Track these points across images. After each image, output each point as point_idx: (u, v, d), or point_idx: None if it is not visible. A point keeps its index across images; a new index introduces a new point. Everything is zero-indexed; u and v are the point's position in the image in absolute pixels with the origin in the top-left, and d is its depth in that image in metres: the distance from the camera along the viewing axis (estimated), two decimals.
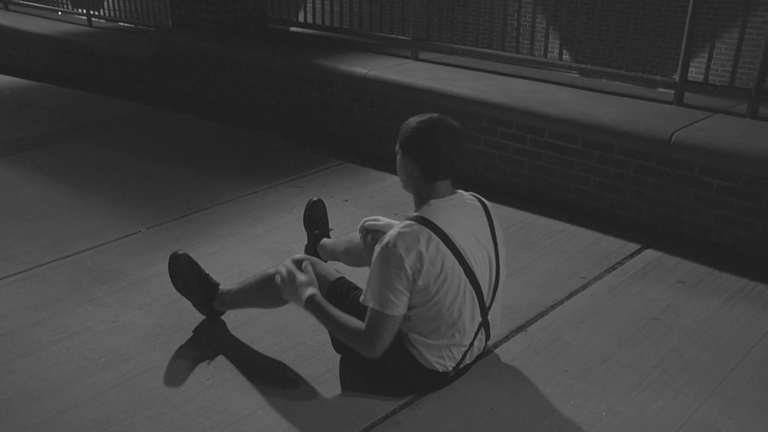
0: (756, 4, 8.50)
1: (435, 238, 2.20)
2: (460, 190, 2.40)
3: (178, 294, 2.83)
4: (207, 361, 2.59)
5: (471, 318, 2.32)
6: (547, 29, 4.63)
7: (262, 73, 5.40)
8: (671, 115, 3.77)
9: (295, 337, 2.74)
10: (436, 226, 2.22)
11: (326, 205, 3.35)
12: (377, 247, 2.22)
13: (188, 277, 2.74)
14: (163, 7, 6.88)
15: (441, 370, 2.36)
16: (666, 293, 3.10)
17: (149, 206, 3.99)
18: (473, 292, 2.30)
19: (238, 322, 2.83)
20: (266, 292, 2.55)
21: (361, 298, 2.28)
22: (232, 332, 2.78)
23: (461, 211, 2.32)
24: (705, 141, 3.42)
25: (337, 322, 2.30)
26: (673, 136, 3.48)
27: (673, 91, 4.00)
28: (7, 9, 8.42)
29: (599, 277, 3.25)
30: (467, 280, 2.27)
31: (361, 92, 4.77)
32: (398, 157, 2.36)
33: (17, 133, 5.36)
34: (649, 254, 3.46)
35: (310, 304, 2.33)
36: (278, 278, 2.43)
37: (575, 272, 3.28)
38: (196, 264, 2.77)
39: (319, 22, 5.72)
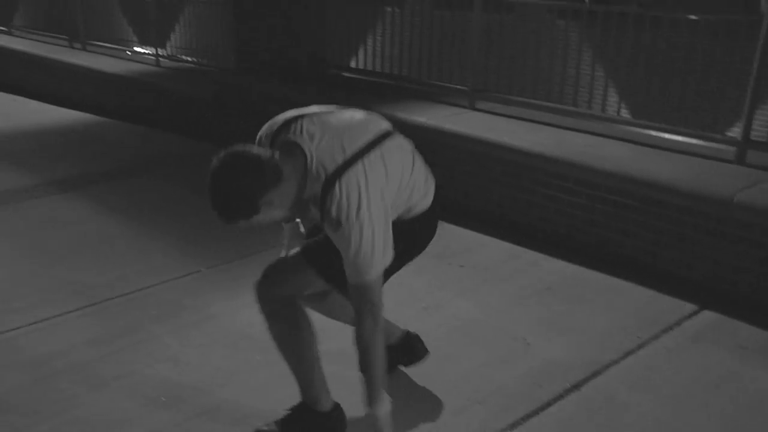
0: None
1: (361, 165, 2.08)
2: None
3: (237, 336, 2.89)
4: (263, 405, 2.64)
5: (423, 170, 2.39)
6: (605, 83, 4.65)
7: None
8: (733, 175, 3.73)
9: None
10: (349, 160, 2.08)
11: None
12: (341, 224, 2.02)
13: None
14: (226, 48, 7.12)
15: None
16: (726, 358, 3.04)
17: (209, 245, 4.11)
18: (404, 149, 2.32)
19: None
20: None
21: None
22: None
23: (321, 130, 2.15)
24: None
25: (369, 364, 2.13)
26: (735, 197, 3.44)
27: (734, 149, 3.96)
28: (85, 50, 8.85)
29: (655, 337, 3.20)
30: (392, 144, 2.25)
31: (418, 140, 4.83)
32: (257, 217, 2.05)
33: (85, 168, 5.59)
34: (707, 316, 3.40)
35: (377, 408, 2.14)
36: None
37: (630, 331, 3.24)
38: None
39: (378, 68, 5.85)
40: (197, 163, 5.73)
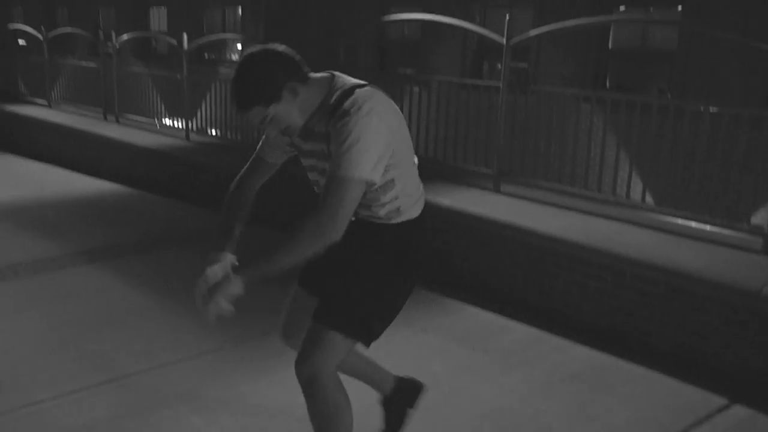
0: None
1: (382, 94, 2.15)
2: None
3: (265, 415, 2.87)
4: None
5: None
6: (630, 169, 4.71)
7: None
8: (760, 266, 3.72)
9: None
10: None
11: (403, 335, 3.34)
12: (349, 114, 2.04)
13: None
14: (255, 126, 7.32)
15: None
16: None
17: (233, 322, 4.11)
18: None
19: None
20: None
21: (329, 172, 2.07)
22: None
23: None
24: None
25: (284, 247, 2.11)
26: (764, 289, 3.43)
27: (761, 239, 3.97)
28: (117, 122, 9.15)
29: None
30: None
31: (442, 222, 4.90)
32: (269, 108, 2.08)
33: (114, 239, 5.69)
34: (739, 411, 3.33)
35: (250, 275, 2.21)
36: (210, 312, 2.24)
37: (656, 423, 3.18)
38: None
39: None
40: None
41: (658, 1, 11.22)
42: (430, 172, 5.67)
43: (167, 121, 8.84)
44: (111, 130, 8.65)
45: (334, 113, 2.09)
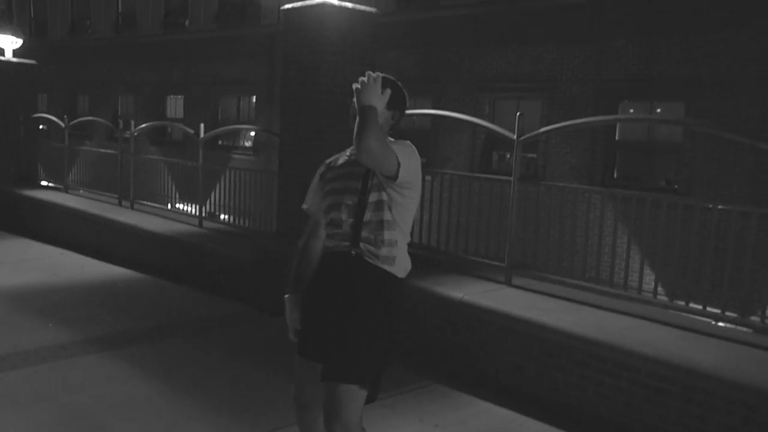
0: None
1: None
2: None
3: None
4: None
5: None
6: (641, 264, 4.72)
7: None
8: None
9: None
10: None
11: (416, 430, 3.34)
12: (399, 144, 2.78)
13: None
14: (270, 214, 7.40)
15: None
16: None
17: (241, 416, 4.07)
18: None
19: None
20: None
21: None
22: None
23: None
24: None
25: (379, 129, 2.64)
26: None
27: None
28: (132, 208, 9.30)
29: None
30: None
31: (454, 315, 4.88)
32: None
33: (124, 326, 5.68)
34: None
35: (369, 109, 2.62)
36: (360, 81, 2.66)
37: None
38: None
39: (415, 240, 6.00)
40: (236, 326, 5.85)
41: (661, 95, 11.53)
42: (441, 263, 5.68)
43: (180, 206, 8.96)
44: (125, 216, 8.77)
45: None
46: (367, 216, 2.75)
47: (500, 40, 13.26)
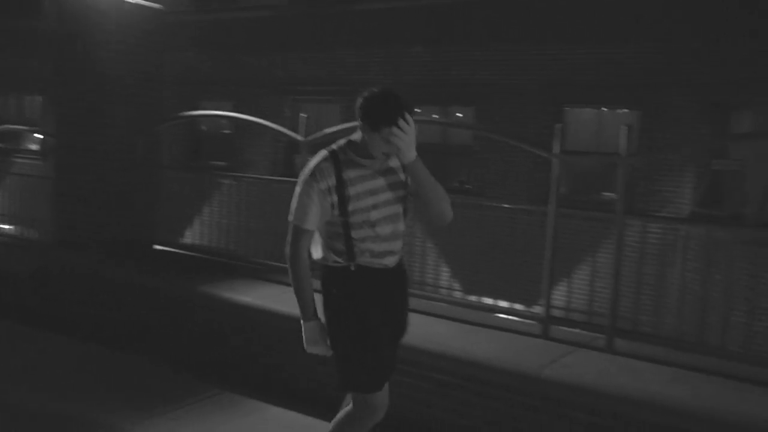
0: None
1: None
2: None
3: None
4: None
5: None
6: (437, 260, 4.90)
7: (144, 294, 5.34)
8: (539, 350, 3.97)
9: None
10: None
11: None
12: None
13: None
14: (46, 221, 6.76)
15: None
16: None
17: None
18: None
19: None
20: None
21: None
22: None
23: None
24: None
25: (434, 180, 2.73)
26: (543, 372, 3.65)
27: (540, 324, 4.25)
28: None
29: None
30: None
31: (242, 320, 4.77)
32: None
33: None
34: None
35: (418, 163, 2.65)
36: (395, 133, 2.55)
37: None
38: None
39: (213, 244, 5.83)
40: (9, 348, 5.26)
41: (455, 101, 12.21)
42: (236, 268, 5.51)
43: None
44: None
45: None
46: (402, 226, 2.89)
47: (301, 44, 13.31)
